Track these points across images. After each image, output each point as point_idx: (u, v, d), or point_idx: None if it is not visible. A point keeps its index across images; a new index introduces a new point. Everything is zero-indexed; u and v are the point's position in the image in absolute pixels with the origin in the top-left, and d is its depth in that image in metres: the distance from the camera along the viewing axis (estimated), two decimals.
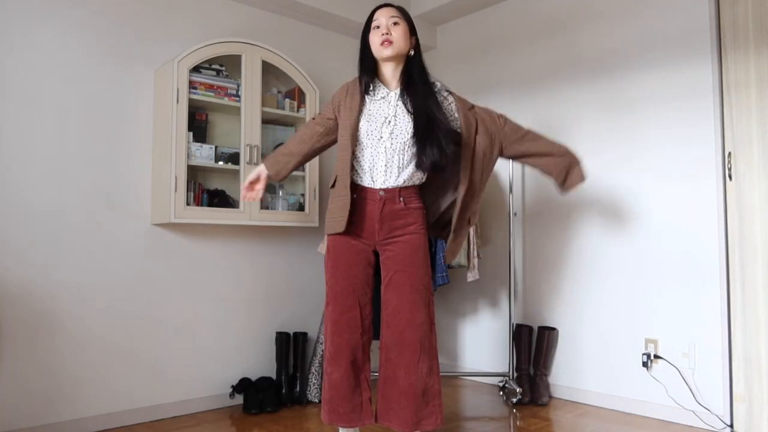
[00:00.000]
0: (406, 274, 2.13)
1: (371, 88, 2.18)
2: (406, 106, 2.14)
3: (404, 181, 2.15)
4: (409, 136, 2.11)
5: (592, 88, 3.26)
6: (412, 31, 2.20)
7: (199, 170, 3.05)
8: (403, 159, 2.13)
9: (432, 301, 2.18)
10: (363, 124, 2.14)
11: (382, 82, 2.21)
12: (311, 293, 3.55)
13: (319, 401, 3.20)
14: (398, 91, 2.17)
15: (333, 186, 2.22)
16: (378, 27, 2.16)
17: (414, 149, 2.11)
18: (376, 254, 2.23)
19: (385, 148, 2.12)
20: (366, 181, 2.16)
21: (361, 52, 2.23)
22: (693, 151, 2.86)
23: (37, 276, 2.59)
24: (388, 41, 2.12)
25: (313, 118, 2.35)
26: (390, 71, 2.19)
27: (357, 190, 2.16)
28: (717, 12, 2.83)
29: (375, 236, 2.17)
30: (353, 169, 2.16)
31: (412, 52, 2.20)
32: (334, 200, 2.20)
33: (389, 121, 2.13)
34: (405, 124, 2.12)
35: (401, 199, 2.15)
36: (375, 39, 2.15)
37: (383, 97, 2.17)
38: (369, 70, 2.20)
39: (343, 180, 2.15)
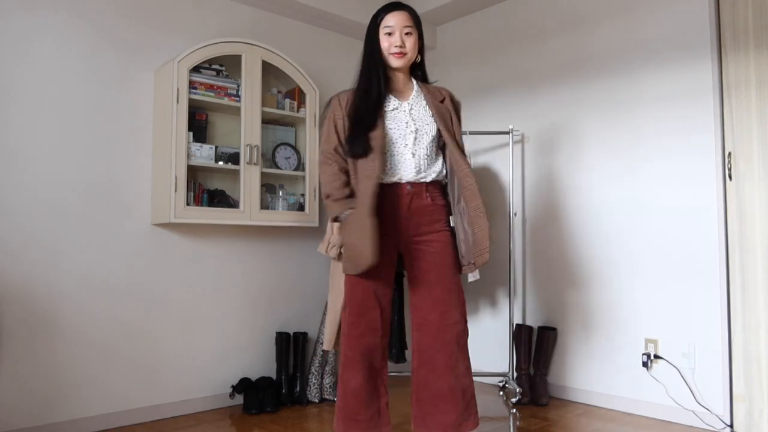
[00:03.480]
0: (437, 274, 2.09)
1: (384, 100, 2.15)
2: (422, 112, 2.17)
3: (431, 179, 2.16)
4: (430, 139, 2.15)
5: (593, 87, 3.26)
6: (420, 35, 2.18)
7: (199, 170, 3.05)
8: (428, 161, 2.15)
9: (464, 300, 2.13)
10: (388, 135, 2.12)
11: (392, 88, 2.18)
12: (311, 293, 3.55)
13: (319, 401, 3.21)
14: (410, 99, 2.17)
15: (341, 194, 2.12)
16: (390, 34, 2.11)
17: (435, 148, 2.17)
18: (398, 254, 2.19)
19: (412, 153, 2.12)
20: (394, 179, 2.13)
21: (367, 53, 2.17)
22: (693, 151, 2.86)
23: (36, 276, 2.58)
24: (401, 53, 2.11)
25: (324, 150, 2.19)
26: (401, 78, 2.19)
27: (383, 188, 2.10)
28: (717, 12, 2.83)
29: (402, 235, 2.12)
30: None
31: (419, 58, 2.21)
32: (356, 230, 2.03)
33: (410, 127, 2.13)
34: (425, 128, 2.15)
35: (428, 194, 2.14)
36: (386, 45, 2.12)
37: (395, 108, 2.15)
38: (380, 77, 2.14)
39: (369, 204, 2.00)
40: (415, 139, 2.12)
